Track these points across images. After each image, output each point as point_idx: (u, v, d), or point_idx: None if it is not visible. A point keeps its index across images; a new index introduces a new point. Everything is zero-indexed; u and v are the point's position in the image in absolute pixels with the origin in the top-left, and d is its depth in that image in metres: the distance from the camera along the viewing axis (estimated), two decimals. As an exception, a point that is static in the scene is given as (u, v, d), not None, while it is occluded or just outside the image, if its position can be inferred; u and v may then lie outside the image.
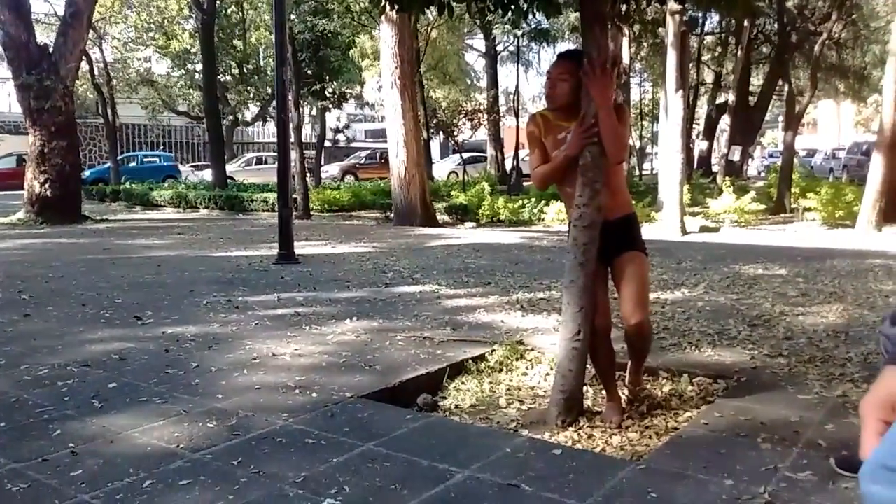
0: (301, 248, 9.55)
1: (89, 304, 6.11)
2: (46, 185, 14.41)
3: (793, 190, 15.92)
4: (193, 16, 25.54)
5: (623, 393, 3.68)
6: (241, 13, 30.53)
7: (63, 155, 14.56)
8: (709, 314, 5.55)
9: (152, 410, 3.46)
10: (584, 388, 3.65)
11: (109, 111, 24.98)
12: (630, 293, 3.32)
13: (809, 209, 14.09)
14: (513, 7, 3.46)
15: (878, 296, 6.25)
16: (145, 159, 31.76)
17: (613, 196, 3.34)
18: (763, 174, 29.74)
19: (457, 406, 3.77)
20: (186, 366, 4.23)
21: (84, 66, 21.33)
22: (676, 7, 11.86)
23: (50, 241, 11.44)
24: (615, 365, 3.57)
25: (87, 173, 26.73)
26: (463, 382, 4.06)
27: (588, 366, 3.54)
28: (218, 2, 23.90)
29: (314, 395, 3.66)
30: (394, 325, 5.30)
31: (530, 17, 3.71)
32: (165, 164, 31.76)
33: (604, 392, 3.62)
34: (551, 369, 3.85)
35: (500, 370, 4.26)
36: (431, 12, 3.58)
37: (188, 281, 7.37)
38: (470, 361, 4.30)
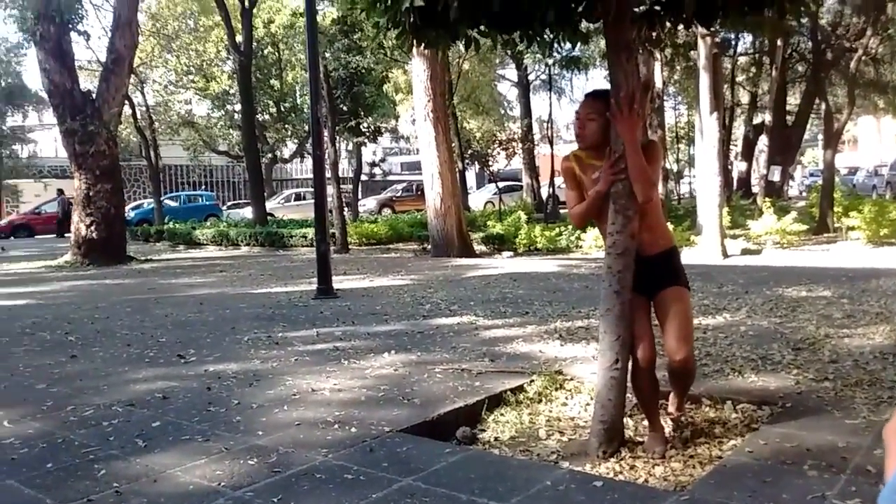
0: (339, 282, 9.63)
1: (134, 344, 6.23)
2: (92, 228, 14.78)
3: (835, 209, 15.62)
4: (231, 58, 26.17)
5: (665, 423, 3.62)
6: (276, 53, 31.25)
7: (108, 197, 14.94)
8: (752, 339, 5.46)
9: (195, 448, 3.50)
10: (625, 417, 3.61)
11: (152, 153, 25.63)
12: (674, 329, 3.27)
13: (853, 228, 13.80)
14: (539, 39, 3.48)
15: (927, 315, 6.08)
16: (188, 199, 32.43)
17: (651, 231, 3.33)
18: (804, 194, 29.29)
19: (496, 438, 3.75)
20: (228, 403, 4.27)
21: (126, 110, 21.94)
22: (706, 30, 11.82)
23: (96, 283, 11.70)
24: (659, 395, 3.52)
25: (131, 214, 27.37)
26: (502, 414, 4.04)
27: (629, 395, 3.50)
28: (254, 43, 24.50)
29: (353, 429, 3.68)
30: (432, 357, 5.30)
31: (560, 45, 3.74)
32: (207, 203, 32.40)
33: (645, 421, 3.57)
34: (591, 399, 3.81)
35: (540, 401, 4.23)
36: (460, 46, 3.62)
37: (229, 318, 7.48)
38: (508, 393, 4.27)
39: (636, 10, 3.44)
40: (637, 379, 3.37)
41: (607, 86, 3.34)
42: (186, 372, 5.13)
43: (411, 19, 3.23)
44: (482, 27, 3.44)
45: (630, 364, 3.35)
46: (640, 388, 3.42)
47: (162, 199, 28.08)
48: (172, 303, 8.83)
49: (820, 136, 32.10)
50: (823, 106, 18.04)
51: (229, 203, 35.74)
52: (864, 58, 18.53)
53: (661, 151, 3.67)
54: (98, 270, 13.70)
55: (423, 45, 3.61)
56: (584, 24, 3.57)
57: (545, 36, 3.50)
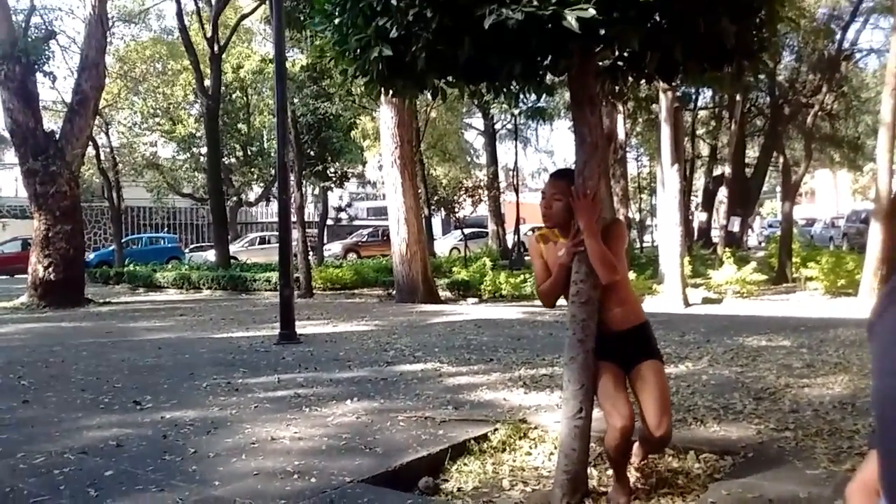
0: (303, 327, 9.53)
1: (89, 389, 6.07)
2: (50, 269, 14.49)
3: (794, 259, 15.97)
4: (198, 101, 26.15)
5: (630, 472, 3.60)
6: (244, 98, 31.29)
7: (67, 239, 14.69)
8: (713, 388, 5.50)
9: (148, 499, 3.40)
10: (590, 467, 3.59)
11: (115, 194, 25.34)
12: (655, 404, 3.26)
13: (811, 279, 14.09)
14: (505, 90, 3.54)
15: (883, 366, 6.17)
16: (150, 241, 32.02)
17: (622, 305, 3.37)
18: (763, 244, 29.89)
19: (459, 489, 3.70)
20: (184, 451, 4.17)
21: (90, 150, 21.74)
22: (668, 85, 12.12)
23: (52, 325, 11.43)
24: (630, 457, 3.49)
25: (91, 256, 26.93)
26: (465, 464, 3.99)
27: (593, 444, 3.48)
28: (223, 88, 24.53)
29: (313, 480, 3.60)
30: (395, 405, 5.24)
31: (525, 96, 3.81)
32: (169, 245, 31.99)
33: (609, 471, 3.55)
34: (555, 448, 3.78)
35: (503, 450, 4.19)
36: (427, 95, 3.67)
37: (188, 363, 7.34)
38: (472, 442, 4.23)
39: (600, 64, 3.53)
40: (612, 445, 3.30)
41: (571, 136, 3.40)
42: (142, 419, 5.01)
43: (379, 68, 3.26)
44: (449, 78, 3.49)
45: (607, 431, 3.30)
46: (614, 454, 3.34)
47: (124, 240, 27.65)
48: (130, 347, 8.64)
49: (778, 188, 32.91)
50: (781, 159, 18.55)
51: (192, 246, 35.32)
52: (820, 113, 19.17)
53: (626, 229, 3.71)
54: (55, 313, 13.40)
55: (390, 93, 3.65)
56: (549, 77, 3.64)
57: (511, 87, 3.56)
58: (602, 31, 2.93)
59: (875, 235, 12.15)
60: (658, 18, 3.03)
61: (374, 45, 3.10)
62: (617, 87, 3.80)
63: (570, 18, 2.64)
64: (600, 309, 3.33)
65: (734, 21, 2.99)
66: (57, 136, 15.07)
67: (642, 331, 3.42)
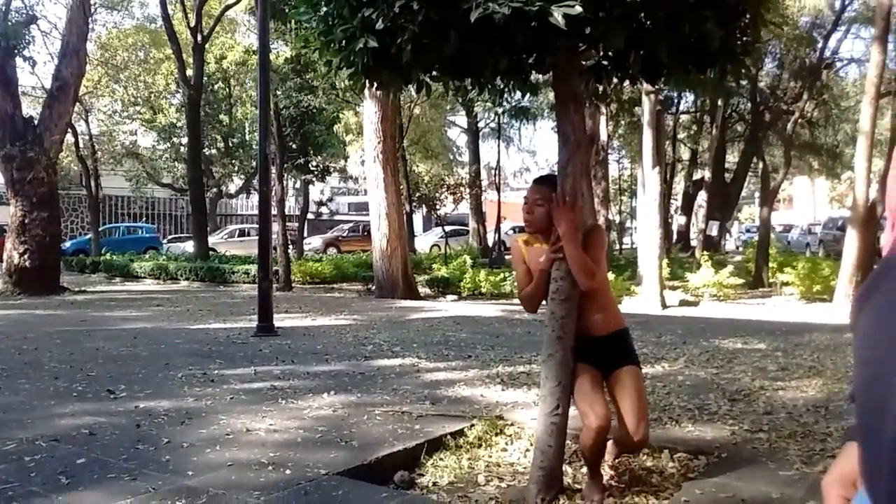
0: (281, 320, 9.48)
1: (62, 377, 6.00)
2: (26, 256, 14.32)
3: (770, 264, 16.12)
4: (180, 91, 25.92)
5: (604, 470, 3.62)
6: (227, 89, 31.07)
7: (44, 226, 14.53)
8: (689, 389, 5.53)
9: (120, 488, 3.36)
10: (565, 464, 3.60)
11: (93, 183, 25.07)
12: (633, 409, 3.28)
13: (787, 284, 14.24)
14: (490, 86, 3.54)
15: (856, 370, 6.25)
16: (127, 231, 31.72)
17: (603, 311, 3.39)
18: (741, 249, 30.15)
19: (434, 483, 3.70)
20: (157, 441, 4.13)
21: (69, 138, 21.49)
22: (651, 87, 12.20)
23: (26, 313, 11.29)
24: (604, 455, 3.50)
25: (67, 244, 26.62)
26: (441, 459, 3.99)
27: (569, 441, 3.49)
28: (205, 78, 24.33)
29: (288, 472, 3.59)
30: (372, 399, 5.23)
31: (510, 94, 3.81)
32: (147, 235, 31.71)
33: (584, 468, 3.56)
34: (531, 445, 3.79)
35: (480, 446, 4.20)
36: (412, 90, 3.66)
37: (164, 353, 7.28)
38: (449, 437, 4.23)
39: (584, 63, 3.53)
40: (587, 444, 3.29)
41: (554, 136, 3.41)
42: (116, 408, 4.96)
43: (364, 60, 3.25)
44: (434, 72, 3.48)
45: (582, 430, 3.30)
46: (588, 453, 3.34)
47: (102, 228, 27.36)
48: (105, 336, 8.55)
49: (757, 194, 33.21)
50: (761, 165, 18.71)
51: (170, 236, 35.02)
52: (800, 121, 19.35)
53: (605, 235, 3.72)
54: (29, 300, 13.24)
55: (375, 85, 3.63)
56: (534, 76, 3.65)
57: (496, 84, 3.56)
58: (587, 30, 2.93)
59: (851, 242, 12.31)
60: (644, 19, 3.04)
61: (360, 36, 3.09)
62: (601, 88, 3.81)
63: (557, 15, 2.65)
64: (581, 315, 3.35)
65: (720, 24, 3.01)
66: (35, 122, 14.89)
67: (622, 337, 3.45)
